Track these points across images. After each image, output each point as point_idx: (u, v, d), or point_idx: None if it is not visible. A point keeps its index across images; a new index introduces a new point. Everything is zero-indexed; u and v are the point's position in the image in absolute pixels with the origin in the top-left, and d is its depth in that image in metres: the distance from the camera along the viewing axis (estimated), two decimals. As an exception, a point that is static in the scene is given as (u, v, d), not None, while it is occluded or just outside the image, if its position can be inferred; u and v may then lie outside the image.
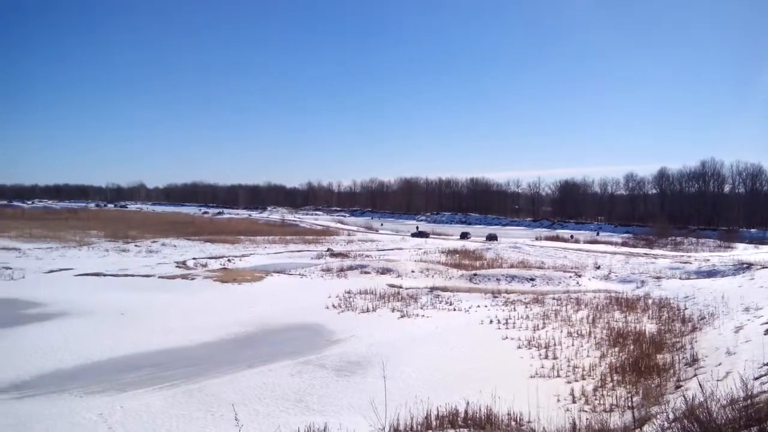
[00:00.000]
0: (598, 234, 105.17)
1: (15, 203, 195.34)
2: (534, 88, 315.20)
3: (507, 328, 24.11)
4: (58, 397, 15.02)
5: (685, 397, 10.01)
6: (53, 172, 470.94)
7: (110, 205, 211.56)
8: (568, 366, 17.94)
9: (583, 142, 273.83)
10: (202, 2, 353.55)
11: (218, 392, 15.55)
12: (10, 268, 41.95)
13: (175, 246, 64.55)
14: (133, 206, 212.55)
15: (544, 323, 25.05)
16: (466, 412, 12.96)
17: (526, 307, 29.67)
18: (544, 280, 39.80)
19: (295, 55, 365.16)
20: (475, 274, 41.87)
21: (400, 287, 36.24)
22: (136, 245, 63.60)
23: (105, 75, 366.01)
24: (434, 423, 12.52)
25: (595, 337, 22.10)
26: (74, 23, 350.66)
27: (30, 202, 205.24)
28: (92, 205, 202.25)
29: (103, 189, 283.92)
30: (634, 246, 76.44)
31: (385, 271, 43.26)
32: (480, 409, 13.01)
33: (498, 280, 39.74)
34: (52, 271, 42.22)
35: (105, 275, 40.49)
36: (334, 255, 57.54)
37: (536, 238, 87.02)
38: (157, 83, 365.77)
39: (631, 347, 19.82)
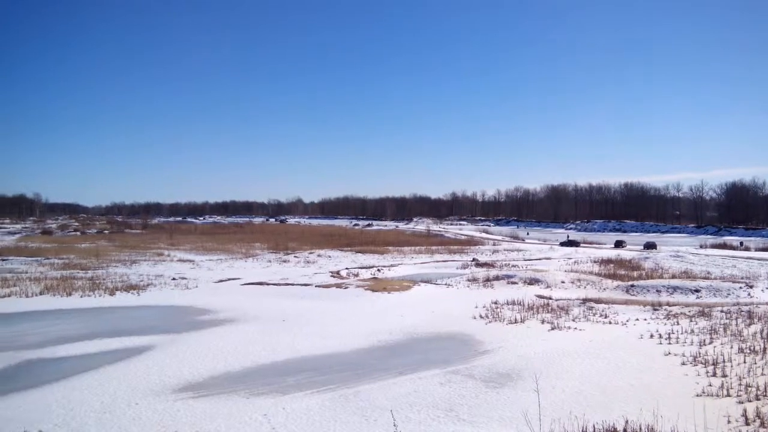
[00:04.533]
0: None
1: (189, 219, 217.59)
2: (692, 84, 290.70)
3: (669, 343, 22.47)
4: (228, 398, 16.27)
5: None
6: (221, 190, 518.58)
7: (272, 220, 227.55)
8: (740, 385, 16.35)
9: (753, 139, 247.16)
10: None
11: (371, 398, 16.13)
12: (186, 278, 46.79)
13: (329, 257, 68.13)
14: (291, 220, 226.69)
15: (711, 338, 23.01)
16: (625, 430, 12.39)
17: (691, 320, 27.45)
18: (711, 291, 36.49)
19: (434, 69, 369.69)
20: (632, 285, 39.46)
21: (550, 298, 35.13)
22: (295, 256, 68.12)
23: (266, 100, 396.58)
24: (590, 440, 12.12)
25: (771, 354, 19.92)
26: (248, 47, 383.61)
27: (202, 218, 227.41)
28: (258, 220, 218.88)
29: (265, 204, 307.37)
30: (815, 253, 67.31)
31: (532, 281, 42.20)
32: (641, 428, 12.36)
33: (658, 291, 37.11)
34: (221, 281, 46.42)
35: (268, 284, 43.74)
36: (479, 265, 57.19)
37: (700, 246, 79.91)
38: (311, 104, 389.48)
39: (814, 365, 17.65)
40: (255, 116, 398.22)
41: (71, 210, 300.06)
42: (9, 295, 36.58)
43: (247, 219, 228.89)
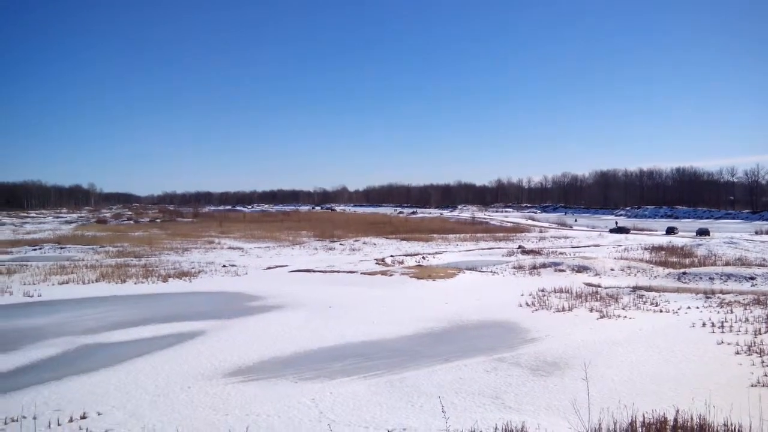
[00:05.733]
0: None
1: (238, 208, 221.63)
2: (746, 66, 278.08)
3: (722, 332, 21.80)
4: (277, 382, 16.61)
5: None
6: (269, 179, 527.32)
7: (317, 208, 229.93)
8: (798, 376, 15.76)
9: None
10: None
11: (417, 384, 16.22)
12: (236, 266, 47.78)
13: (374, 244, 68.42)
14: (338, 208, 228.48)
15: (767, 327, 22.22)
16: (675, 420, 12.08)
17: (745, 308, 26.52)
18: (766, 278, 35.12)
19: (477, 59, 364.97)
20: (684, 273, 38.32)
21: (599, 286, 34.48)
22: (340, 244, 68.68)
23: (312, 90, 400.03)
24: (640, 430, 11.87)
25: (832, 345, 19.09)
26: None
27: (250, 207, 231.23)
28: (304, 208, 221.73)
29: (311, 193, 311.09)
30: None
31: (581, 269, 41.44)
32: (692, 418, 12.03)
33: (711, 279, 35.93)
34: (269, 268, 47.24)
35: (314, 271, 44.31)
36: (525, 252, 56.52)
37: (755, 232, 76.74)
38: (357, 94, 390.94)
39: None
40: (301, 106, 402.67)
41: (125, 199, 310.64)
42: (67, 282, 38.16)
43: (294, 207, 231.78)
